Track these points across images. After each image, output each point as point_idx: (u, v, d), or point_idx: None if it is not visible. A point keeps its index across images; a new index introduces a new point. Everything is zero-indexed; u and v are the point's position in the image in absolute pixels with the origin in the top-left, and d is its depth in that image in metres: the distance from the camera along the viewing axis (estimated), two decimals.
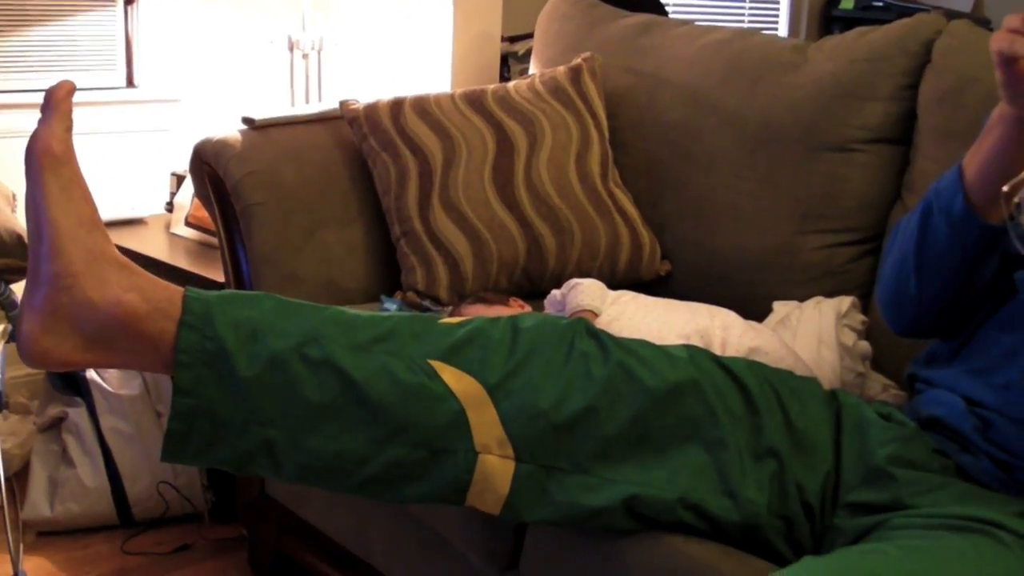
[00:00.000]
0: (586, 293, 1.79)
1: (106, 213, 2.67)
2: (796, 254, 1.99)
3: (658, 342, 1.61)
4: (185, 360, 1.12)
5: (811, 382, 1.32)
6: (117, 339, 1.13)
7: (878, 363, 1.74)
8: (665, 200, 2.22)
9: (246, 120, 2.18)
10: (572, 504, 1.14)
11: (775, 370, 1.29)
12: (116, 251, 1.16)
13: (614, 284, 2.04)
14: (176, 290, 1.18)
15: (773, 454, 1.19)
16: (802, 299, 1.88)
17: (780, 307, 1.86)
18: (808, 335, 1.71)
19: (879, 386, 1.67)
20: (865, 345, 1.71)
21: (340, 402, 1.12)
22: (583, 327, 1.22)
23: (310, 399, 1.12)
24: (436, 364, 1.15)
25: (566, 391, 1.15)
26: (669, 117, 2.22)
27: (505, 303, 1.86)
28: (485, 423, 1.14)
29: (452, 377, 1.14)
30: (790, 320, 1.78)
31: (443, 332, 1.19)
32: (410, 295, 2.05)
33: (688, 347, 1.26)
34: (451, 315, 1.82)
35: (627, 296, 1.83)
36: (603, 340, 1.21)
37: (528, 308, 1.88)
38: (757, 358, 1.59)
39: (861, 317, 1.78)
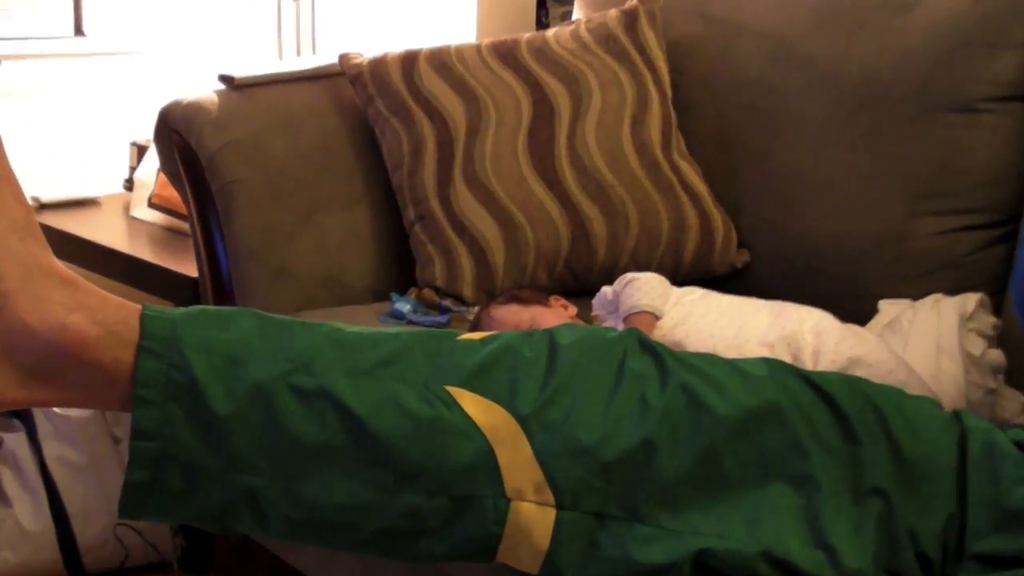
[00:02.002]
0: (644, 290, 1.79)
1: (50, 192, 2.69)
2: (907, 241, 1.98)
3: (734, 351, 1.63)
4: (147, 395, 1.10)
5: (927, 402, 1.30)
6: (62, 372, 1.11)
7: (1013, 377, 1.73)
8: (742, 175, 2.20)
9: (224, 78, 2.19)
10: (627, 560, 1.12)
11: (880, 387, 1.28)
12: (56, 262, 1.13)
13: (679, 279, 2.04)
14: (132, 308, 1.14)
15: (878, 494, 1.18)
16: (915, 297, 1.87)
17: (888, 307, 1.85)
18: (924, 342, 1.70)
19: (1016, 406, 1.66)
20: (997, 355, 1.71)
21: (338, 441, 1.11)
22: (636, 341, 1.21)
23: (302, 439, 1.11)
24: (456, 391, 1.14)
25: (617, 422, 1.14)
26: (747, 73, 2.21)
27: (544, 303, 1.86)
28: (518, 463, 1.13)
29: (476, 407, 1.13)
30: (900, 323, 1.77)
31: (464, 351, 1.17)
32: (427, 293, 2.06)
33: (768, 361, 1.25)
34: (478, 317, 1.84)
35: (695, 294, 1.83)
36: (661, 357, 1.20)
37: (573, 309, 1.89)
38: (859, 371, 1.58)
39: (992, 320, 1.77)
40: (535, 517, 1.13)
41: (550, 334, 1.21)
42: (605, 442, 1.13)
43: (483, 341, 1.19)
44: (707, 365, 1.21)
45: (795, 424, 1.18)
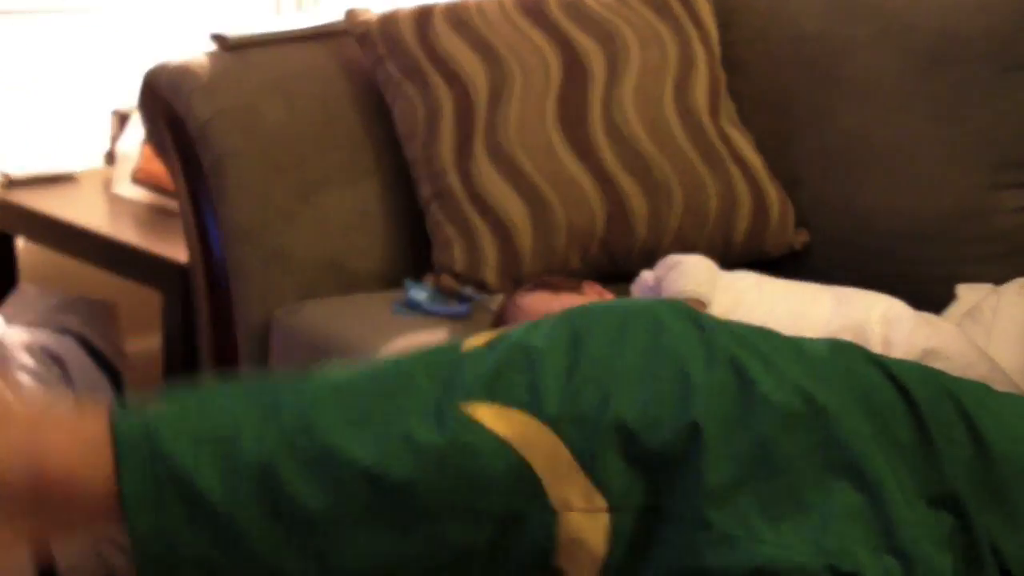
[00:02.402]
0: (690, 275, 1.78)
1: (20, 166, 2.70)
2: (989, 217, 1.97)
3: None
4: (138, 511, 1.11)
5: (1014, 400, 1.30)
6: (43, 509, 1.12)
7: None
8: (800, 144, 2.19)
9: (216, 38, 2.19)
10: (685, 563, 1.12)
11: (960, 381, 1.27)
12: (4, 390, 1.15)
13: (729, 262, 2.02)
14: (100, 427, 1.13)
15: (956, 500, 1.17)
16: (999, 281, 1.86)
17: (967, 293, 1.84)
18: (1008, 332, 1.69)
19: None
20: None
21: (360, 502, 1.11)
22: (674, 307, 1.20)
23: (320, 510, 1.11)
24: (470, 407, 1.12)
25: (657, 403, 1.13)
26: (805, 27, 2.20)
27: (577, 290, 1.86)
28: (557, 469, 1.12)
29: (495, 418, 1.12)
30: (982, 311, 1.77)
31: (471, 361, 1.16)
32: (445, 279, 2.05)
33: (834, 342, 1.24)
34: (503, 307, 1.84)
35: (748, 279, 1.82)
36: (705, 326, 1.18)
37: (608, 296, 1.88)
38: (934, 363, 1.56)
39: None
40: (586, 524, 1.13)
41: (566, 315, 1.20)
42: (648, 429, 1.12)
43: (489, 345, 1.19)
44: (761, 339, 1.20)
45: (861, 414, 1.17)
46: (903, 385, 1.20)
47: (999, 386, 1.50)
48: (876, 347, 1.63)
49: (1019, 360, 1.64)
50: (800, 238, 2.18)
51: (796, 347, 1.21)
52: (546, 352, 1.16)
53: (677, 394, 1.14)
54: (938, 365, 1.53)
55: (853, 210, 2.11)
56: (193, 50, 2.17)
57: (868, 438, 1.16)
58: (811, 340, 1.24)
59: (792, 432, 1.14)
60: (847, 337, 1.62)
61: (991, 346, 1.68)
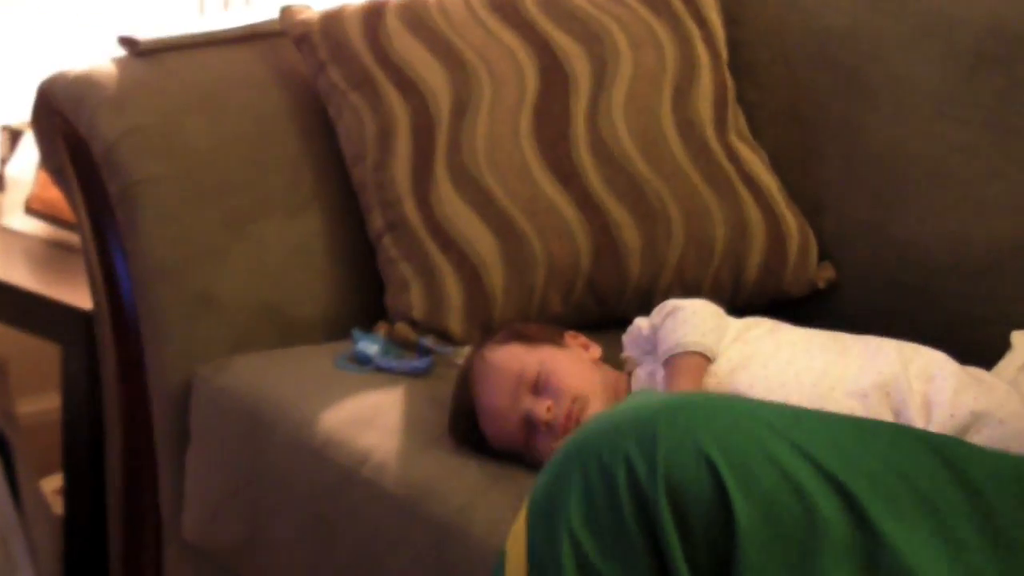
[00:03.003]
0: (692, 323, 1.77)
1: None
2: None
3: (815, 403, 1.61)
4: None
5: None
6: None
7: None
8: (823, 162, 2.19)
9: (126, 41, 2.18)
10: None
11: None
12: None
13: (739, 305, 2.02)
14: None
15: None
16: None
17: (1023, 341, 1.83)
18: None
19: None
20: None
21: None
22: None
23: None
24: None
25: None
26: (829, 22, 2.21)
27: (557, 341, 1.84)
28: None
29: None
30: None
31: None
32: (400, 328, 2.04)
33: (895, 431, 1.34)
34: (469, 362, 1.82)
35: (761, 327, 1.82)
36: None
37: (596, 350, 1.87)
38: (984, 431, 1.57)
39: None
40: None
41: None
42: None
43: None
44: (813, 432, 1.39)
45: (918, 515, 1.34)
46: (969, 480, 1.32)
47: None
48: (914, 408, 1.63)
49: None
50: (824, 274, 2.18)
51: (855, 431, 1.34)
52: None
53: None
54: (990, 432, 1.57)
55: (887, 240, 2.11)
56: (98, 56, 2.17)
57: (922, 543, 1.28)
58: (871, 426, 1.37)
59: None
60: (878, 396, 1.64)
61: None
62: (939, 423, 1.59)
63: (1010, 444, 1.53)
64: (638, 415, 1.39)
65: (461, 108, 2.10)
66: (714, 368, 1.74)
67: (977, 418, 1.59)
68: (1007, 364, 1.79)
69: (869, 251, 2.14)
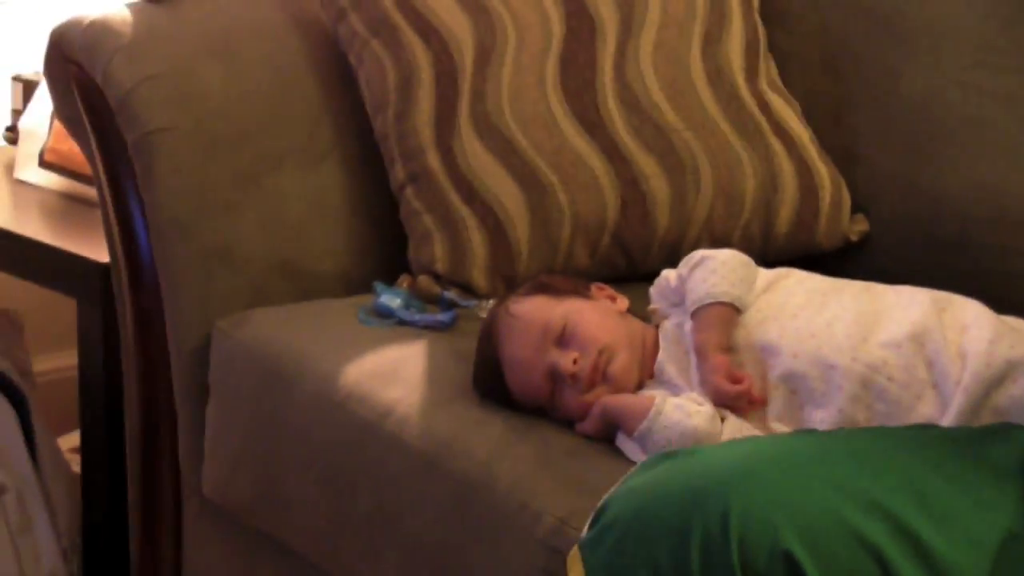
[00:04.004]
0: (720, 273, 1.77)
1: None
2: None
3: (847, 355, 1.63)
4: None
5: None
6: None
7: None
8: (857, 112, 2.20)
9: None
10: None
11: None
12: None
13: (770, 258, 2.01)
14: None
15: None
16: None
17: None
18: None
19: None
20: None
21: None
22: None
23: None
24: None
25: None
26: None
27: (584, 293, 1.85)
28: None
29: None
30: None
31: None
32: (423, 281, 2.05)
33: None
34: (492, 315, 1.83)
35: (791, 278, 1.81)
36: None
37: (624, 302, 1.87)
38: (1021, 378, 1.57)
39: None
40: None
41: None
42: None
43: None
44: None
45: None
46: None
47: None
48: (948, 358, 1.62)
49: None
50: (858, 227, 2.18)
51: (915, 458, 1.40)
52: None
53: None
54: None
55: (922, 192, 2.12)
56: (112, 2, 2.16)
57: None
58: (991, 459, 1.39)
59: None
60: (912, 347, 1.64)
61: None
62: (974, 372, 1.59)
63: None
64: (706, 485, 1.36)
65: (485, 56, 2.10)
66: (743, 319, 1.74)
67: (1013, 367, 1.58)
68: None
69: (903, 203, 2.15)
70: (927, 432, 1.46)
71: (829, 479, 1.35)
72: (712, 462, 1.38)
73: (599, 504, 1.40)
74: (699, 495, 1.33)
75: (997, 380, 1.57)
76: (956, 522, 1.32)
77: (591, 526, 1.40)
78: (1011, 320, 1.70)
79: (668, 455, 1.42)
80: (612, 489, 1.41)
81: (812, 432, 1.52)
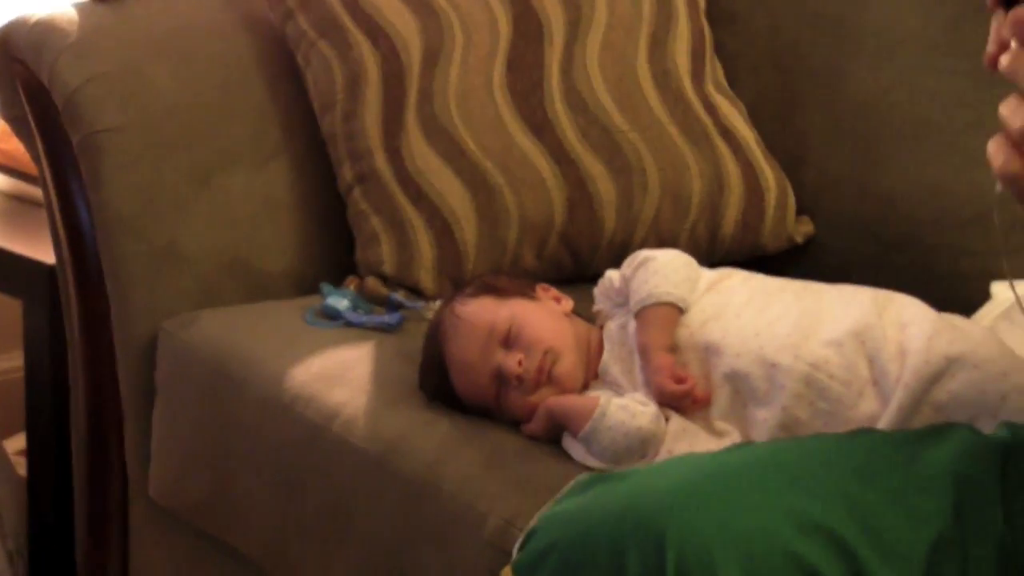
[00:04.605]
0: (663, 274, 1.77)
1: None
2: None
3: (789, 353, 1.63)
4: None
5: None
6: None
7: None
8: (804, 113, 2.20)
9: None
10: None
11: None
12: None
13: (716, 259, 2.03)
14: None
15: None
16: None
17: (1003, 291, 1.84)
18: None
19: None
20: None
21: None
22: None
23: None
24: None
25: None
26: None
27: (528, 294, 1.84)
28: None
29: None
30: (1020, 312, 1.76)
31: None
32: (370, 283, 2.05)
33: (956, 465, 1.36)
34: (439, 316, 1.83)
35: (734, 278, 1.82)
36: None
37: (568, 302, 1.87)
38: (960, 375, 1.58)
39: None
40: None
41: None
42: None
43: None
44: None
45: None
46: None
47: None
48: (889, 355, 1.63)
49: None
50: (803, 228, 2.19)
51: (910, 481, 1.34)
52: None
53: None
54: (965, 376, 1.58)
55: (868, 192, 2.13)
56: (59, 1, 2.15)
57: None
58: (926, 465, 1.36)
59: None
60: (853, 344, 1.64)
61: None
62: (913, 369, 1.60)
63: (986, 388, 1.55)
64: (641, 510, 1.33)
65: (432, 57, 2.10)
66: (686, 319, 1.74)
67: (951, 363, 1.59)
68: (985, 312, 1.81)
69: (850, 204, 2.16)
70: (862, 440, 1.44)
71: (765, 499, 1.33)
72: (646, 485, 1.35)
73: (529, 526, 1.38)
74: (634, 520, 1.31)
75: (936, 376, 1.58)
76: (890, 536, 1.32)
77: (521, 547, 1.38)
78: (951, 317, 1.70)
79: (601, 477, 1.39)
80: (542, 510, 1.39)
81: (747, 447, 1.50)
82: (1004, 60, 1.06)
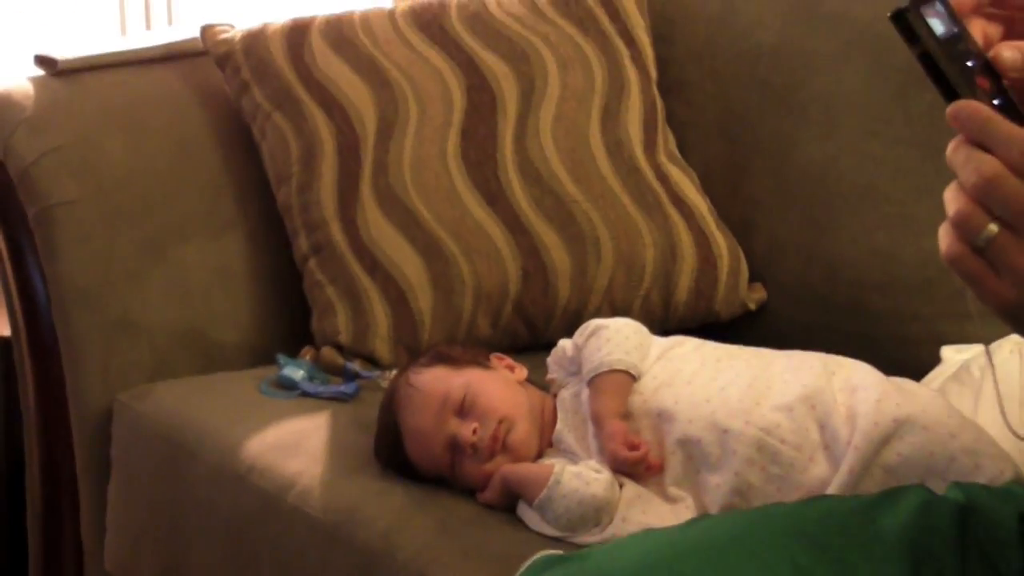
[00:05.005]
0: (615, 341, 1.77)
1: None
2: None
3: (740, 419, 1.63)
4: None
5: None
6: None
7: None
8: (754, 181, 2.21)
9: (42, 60, 2.18)
10: None
11: None
12: None
13: (671, 327, 2.03)
14: None
15: None
16: (991, 340, 1.84)
17: (952, 354, 1.85)
18: (1001, 397, 1.69)
19: None
20: None
21: None
22: None
23: None
24: None
25: None
26: (760, 40, 2.22)
27: (483, 363, 1.84)
28: None
29: None
30: (970, 373, 1.77)
31: None
32: (326, 353, 2.05)
33: (920, 508, 1.37)
34: (394, 385, 1.83)
35: (686, 345, 1.82)
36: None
37: (522, 371, 1.87)
38: (909, 438, 1.58)
39: None
40: None
41: None
42: None
43: None
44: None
45: None
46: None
47: (986, 458, 1.55)
48: (839, 419, 1.63)
49: (1013, 427, 1.64)
50: (756, 295, 2.20)
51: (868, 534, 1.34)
52: None
53: None
54: (915, 437, 1.58)
55: (816, 258, 2.13)
56: (13, 75, 2.16)
57: None
58: (891, 509, 1.36)
59: None
60: (803, 409, 1.64)
61: (980, 413, 1.68)
62: (863, 432, 1.60)
63: (934, 449, 1.54)
64: None
65: (387, 128, 2.12)
66: (639, 386, 1.74)
67: (900, 425, 1.59)
68: (935, 375, 1.81)
69: (799, 269, 2.16)
70: (816, 508, 1.44)
71: (718, 574, 1.32)
72: (605, 567, 1.34)
73: None
74: None
75: (885, 438, 1.57)
76: None
77: None
78: (900, 380, 1.70)
79: (559, 559, 1.37)
80: None
81: (702, 521, 1.49)
82: (948, 149, 1.07)
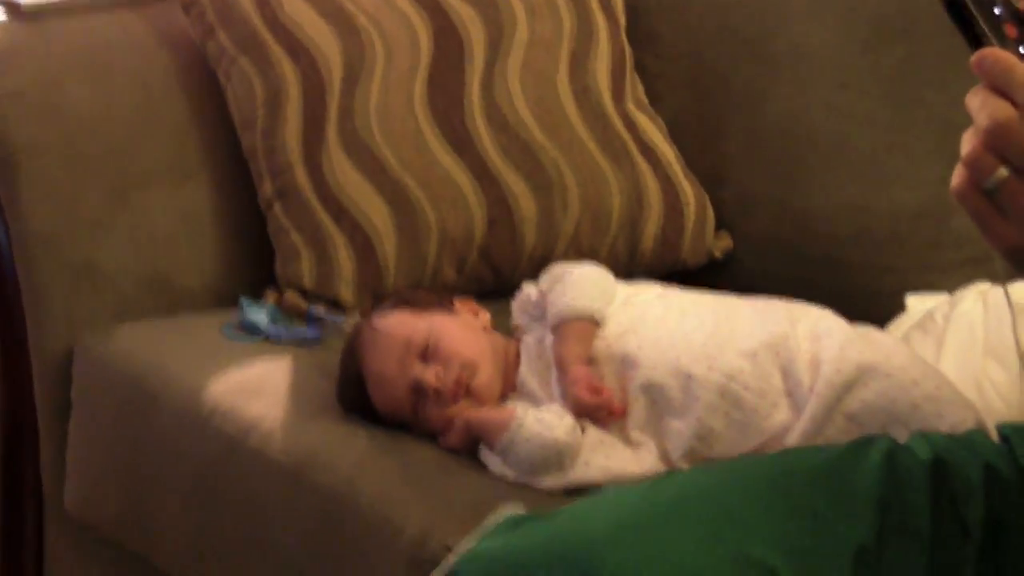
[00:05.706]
0: (579, 287, 1.78)
1: None
2: (947, 218, 2.00)
3: (703, 364, 1.64)
4: None
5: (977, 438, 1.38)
6: None
7: None
8: (723, 132, 2.21)
9: (7, 4, 2.15)
10: None
11: None
12: None
13: (637, 274, 2.03)
14: None
15: None
16: (955, 289, 1.89)
17: (917, 303, 1.86)
18: (964, 343, 1.70)
19: None
20: None
21: None
22: None
23: None
24: None
25: None
26: None
27: (447, 308, 1.85)
28: None
29: None
30: (934, 321, 1.79)
31: None
32: (289, 297, 2.04)
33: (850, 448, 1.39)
34: (357, 330, 1.82)
35: (650, 291, 1.83)
36: None
37: (485, 316, 1.88)
38: (872, 384, 1.59)
39: None
40: None
41: None
42: None
43: None
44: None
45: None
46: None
47: (948, 405, 1.56)
48: (802, 365, 1.64)
49: (975, 374, 1.65)
50: (721, 244, 2.20)
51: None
52: None
53: None
54: (877, 384, 1.58)
55: (787, 211, 2.14)
56: None
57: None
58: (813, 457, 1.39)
59: None
60: (767, 355, 1.64)
61: (943, 360, 1.69)
62: (826, 379, 1.60)
63: (897, 396, 1.55)
64: (569, 551, 1.30)
65: (353, 74, 2.10)
66: (603, 332, 1.74)
67: (863, 372, 1.59)
68: (899, 323, 1.83)
69: (769, 222, 2.17)
70: (785, 463, 1.44)
71: (695, 534, 1.31)
72: (576, 525, 1.33)
73: (450, 568, 1.35)
74: (563, 562, 1.28)
75: (848, 385, 1.58)
76: (818, 564, 1.32)
77: None
78: (863, 328, 1.71)
79: (528, 517, 1.36)
80: (463, 549, 1.36)
81: (673, 477, 1.49)
82: (968, 94, 1.08)
